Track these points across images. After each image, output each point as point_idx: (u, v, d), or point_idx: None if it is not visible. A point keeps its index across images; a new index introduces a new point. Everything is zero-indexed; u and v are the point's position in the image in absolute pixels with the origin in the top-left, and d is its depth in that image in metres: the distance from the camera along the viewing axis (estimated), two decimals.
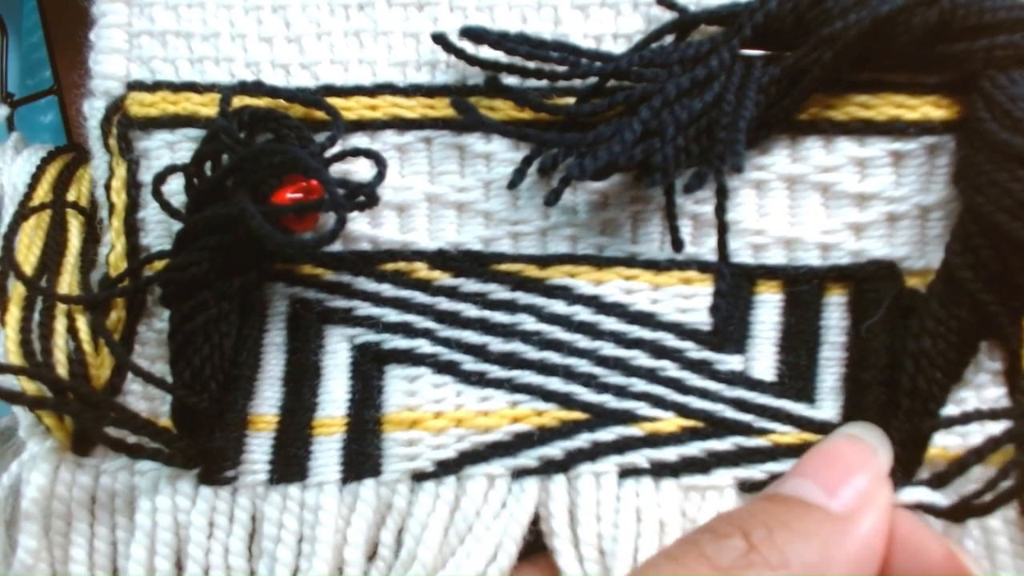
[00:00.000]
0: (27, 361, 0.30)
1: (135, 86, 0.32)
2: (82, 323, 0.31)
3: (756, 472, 0.31)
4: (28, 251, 0.32)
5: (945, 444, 0.30)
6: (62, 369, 0.31)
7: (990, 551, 0.29)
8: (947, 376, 0.30)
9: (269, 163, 0.29)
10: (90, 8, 0.32)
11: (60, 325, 0.31)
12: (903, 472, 0.30)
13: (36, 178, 0.34)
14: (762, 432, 0.31)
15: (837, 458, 0.28)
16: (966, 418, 0.29)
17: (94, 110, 0.33)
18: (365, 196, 0.30)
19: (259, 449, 0.31)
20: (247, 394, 0.31)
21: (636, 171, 0.30)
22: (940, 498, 0.29)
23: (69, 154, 0.35)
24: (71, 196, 0.34)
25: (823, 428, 0.31)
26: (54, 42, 0.42)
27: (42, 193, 0.33)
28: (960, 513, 0.28)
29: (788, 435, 0.31)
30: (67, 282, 0.32)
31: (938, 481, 0.29)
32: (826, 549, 0.24)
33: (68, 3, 0.33)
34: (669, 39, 0.31)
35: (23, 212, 0.33)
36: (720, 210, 0.30)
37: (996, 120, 0.29)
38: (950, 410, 0.30)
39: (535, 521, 0.31)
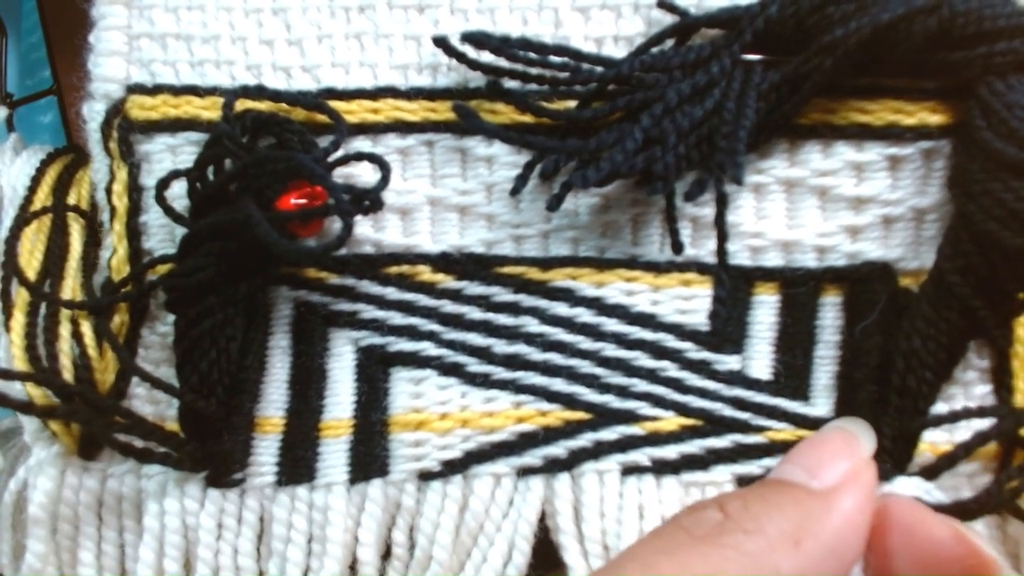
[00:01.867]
0: (33, 367, 0.30)
1: (135, 89, 0.32)
2: (86, 328, 0.31)
3: (753, 468, 0.31)
4: (30, 256, 0.32)
5: (932, 439, 0.31)
6: (68, 374, 0.31)
7: None
8: (936, 375, 0.30)
9: (273, 169, 0.29)
10: (90, 10, 0.32)
11: (65, 330, 0.31)
12: (894, 467, 0.30)
13: (36, 180, 0.33)
14: (759, 429, 0.32)
15: (821, 445, 0.28)
16: (954, 416, 0.30)
17: (94, 113, 0.32)
18: (370, 201, 0.30)
19: (266, 451, 0.31)
20: (253, 397, 0.32)
21: (637, 177, 0.31)
22: (931, 489, 0.29)
23: (69, 155, 0.35)
24: (71, 198, 0.33)
25: (817, 424, 0.31)
26: (53, 43, 0.41)
27: (42, 196, 0.33)
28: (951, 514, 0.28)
29: (784, 432, 0.32)
30: (70, 286, 0.32)
31: (926, 475, 0.30)
32: (804, 521, 0.24)
33: (67, 3, 0.32)
34: (670, 43, 0.31)
35: (24, 217, 0.32)
36: (720, 218, 0.30)
37: (991, 128, 0.29)
38: (939, 407, 0.31)
39: (542, 518, 0.31)
